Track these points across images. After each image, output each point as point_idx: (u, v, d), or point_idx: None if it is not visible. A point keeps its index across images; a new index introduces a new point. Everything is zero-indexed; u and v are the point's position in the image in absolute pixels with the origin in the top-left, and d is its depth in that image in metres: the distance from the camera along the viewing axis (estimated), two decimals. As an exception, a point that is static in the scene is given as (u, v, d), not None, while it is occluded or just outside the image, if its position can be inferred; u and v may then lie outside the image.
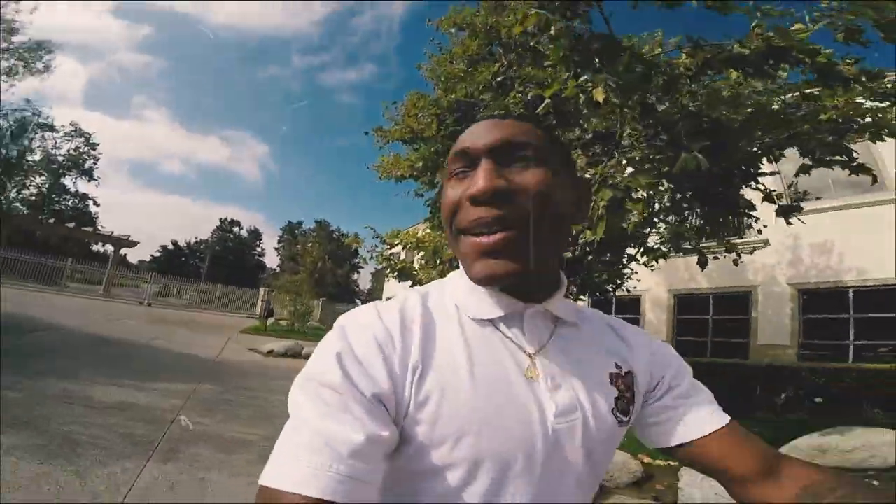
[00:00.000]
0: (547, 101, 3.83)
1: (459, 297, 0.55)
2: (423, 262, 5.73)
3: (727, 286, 10.47)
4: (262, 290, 22.70)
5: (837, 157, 3.68)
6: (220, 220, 51.03)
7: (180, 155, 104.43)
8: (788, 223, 4.55)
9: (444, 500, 0.46)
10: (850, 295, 9.07)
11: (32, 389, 4.12)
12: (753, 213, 4.47)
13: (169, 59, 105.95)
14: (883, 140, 3.57)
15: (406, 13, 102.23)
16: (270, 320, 17.55)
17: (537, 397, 0.50)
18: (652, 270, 7.08)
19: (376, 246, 6.29)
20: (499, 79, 4.96)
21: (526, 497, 0.47)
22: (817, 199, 9.76)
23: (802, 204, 9.43)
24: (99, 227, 29.03)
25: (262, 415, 4.67)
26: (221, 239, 49.15)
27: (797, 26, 3.67)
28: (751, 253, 8.18)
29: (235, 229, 51.46)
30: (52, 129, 14.76)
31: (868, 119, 3.62)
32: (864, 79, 3.28)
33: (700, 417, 0.57)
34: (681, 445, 0.56)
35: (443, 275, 4.41)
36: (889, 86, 3.75)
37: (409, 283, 6.78)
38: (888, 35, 3.43)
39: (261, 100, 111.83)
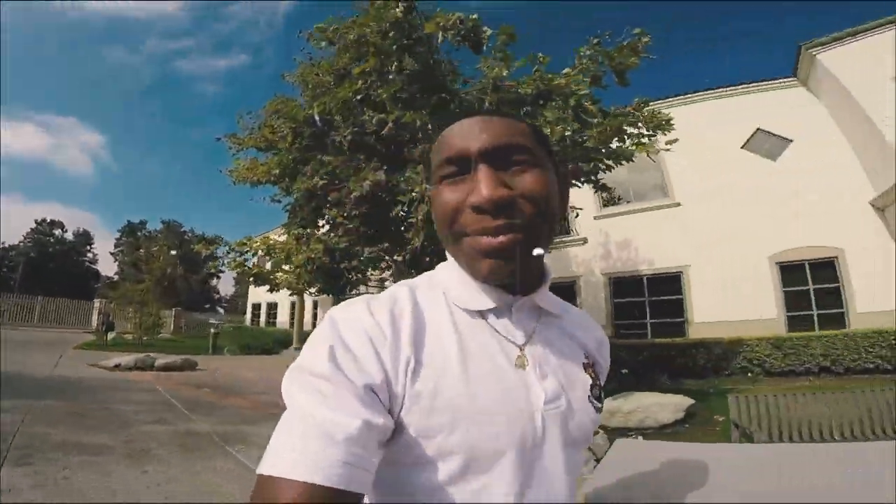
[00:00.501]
0: (389, 124, 4.57)
1: (451, 289, 0.56)
2: (276, 266, 6.00)
3: (558, 276, 12.25)
4: (97, 302, 20.07)
5: (590, 179, 5.05)
6: (37, 222, 42.94)
7: None
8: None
9: (441, 489, 0.46)
10: (645, 281, 11.46)
11: None
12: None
13: None
14: (622, 164, 5.00)
15: (291, 3, 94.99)
16: (111, 335, 15.75)
17: (527, 385, 0.51)
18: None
19: (228, 252, 6.38)
20: (359, 96, 5.33)
21: (521, 482, 0.48)
22: (627, 202, 12.24)
23: (613, 208, 11.52)
24: None
25: (120, 423, 4.63)
26: (38, 243, 41.36)
27: (566, 71, 4.94)
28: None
29: (57, 232, 43.72)
30: None
31: (617, 145, 5.05)
32: (600, 116, 4.66)
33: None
34: None
35: (300, 278, 4.92)
36: (637, 117, 5.25)
37: (267, 287, 6.97)
38: (621, 80, 4.87)
39: (99, 84, 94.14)
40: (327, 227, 6.00)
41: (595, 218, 12.21)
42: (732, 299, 10.06)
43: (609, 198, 12.48)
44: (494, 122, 0.53)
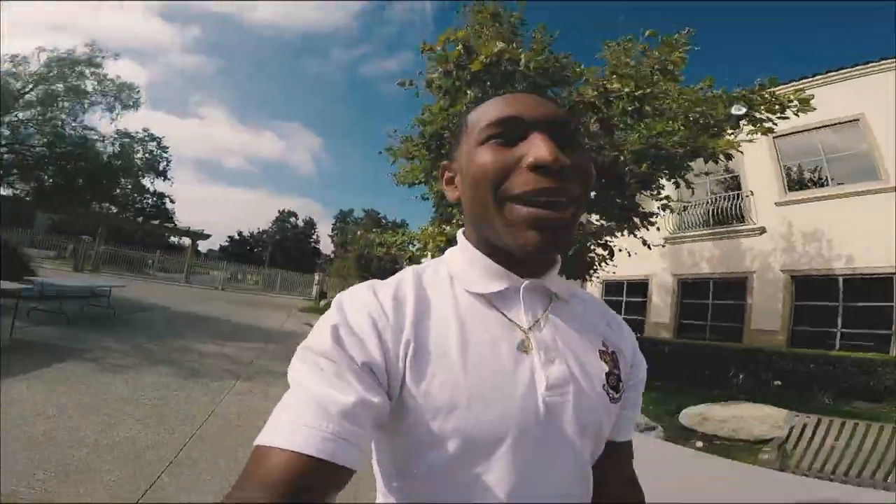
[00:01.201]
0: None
1: (459, 271, 0.56)
2: (421, 252, 7.34)
3: (726, 272, 11.08)
4: (316, 275, 25.22)
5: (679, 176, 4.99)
6: (279, 212, 54.98)
7: (241, 150, 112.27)
8: (649, 248, 5.97)
9: (441, 472, 0.47)
10: (841, 283, 9.39)
11: (161, 344, 6.20)
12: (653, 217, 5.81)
13: (220, 58, 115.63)
14: (716, 162, 4.89)
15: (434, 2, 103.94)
16: (323, 301, 19.90)
17: (530, 371, 0.50)
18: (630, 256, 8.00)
19: (381, 243, 8.00)
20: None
21: (521, 468, 0.47)
22: (822, 185, 10.32)
23: (801, 192, 9.85)
24: (176, 222, 33.05)
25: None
26: (281, 229, 53.05)
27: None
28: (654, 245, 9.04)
29: (293, 219, 55.23)
30: (128, 135, 17.06)
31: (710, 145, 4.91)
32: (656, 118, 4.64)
33: (630, 422, 0.63)
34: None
35: (434, 256, 6.23)
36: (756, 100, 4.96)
37: (419, 268, 8.46)
38: (670, 78, 4.68)
39: (308, 93, 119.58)
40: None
41: (777, 204, 10.51)
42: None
43: (798, 180, 10.78)
44: (547, 100, 0.54)
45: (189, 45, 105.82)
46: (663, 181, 5.68)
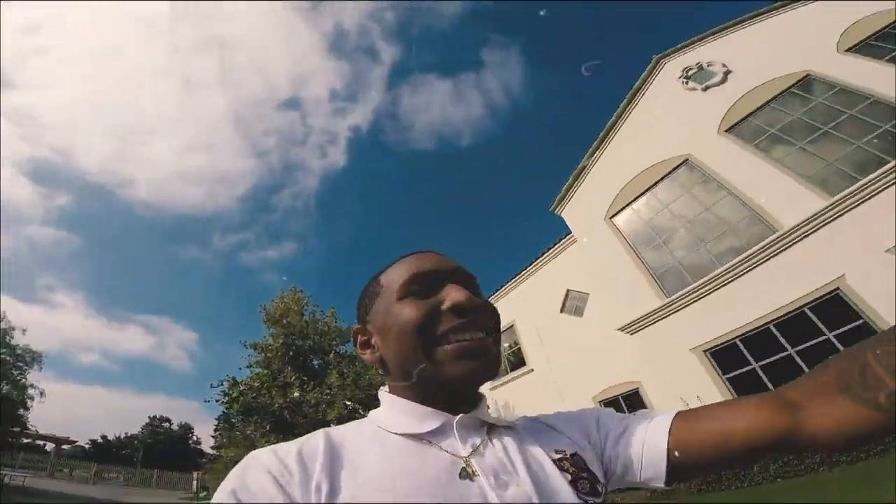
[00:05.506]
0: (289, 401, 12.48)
1: (387, 420, 0.57)
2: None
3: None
4: (195, 473, 27.72)
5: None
6: (150, 417, 52.76)
7: (99, 346, 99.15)
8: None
9: None
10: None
11: None
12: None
13: (83, 236, 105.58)
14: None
15: (321, 187, 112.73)
16: (203, 494, 23.16)
17: (481, 495, 0.48)
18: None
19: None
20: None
21: None
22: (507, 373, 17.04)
23: (500, 380, 17.75)
24: (30, 426, 31.81)
25: None
26: (152, 433, 51.21)
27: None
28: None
29: (166, 425, 53.42)
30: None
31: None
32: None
33: (653, 424, 0.58)
34: (669, 459, 0.55)
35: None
36: None
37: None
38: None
39: (184, 283, 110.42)
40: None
41: (490, 389, 16.51)
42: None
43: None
44: (445, 256, 0.63)
45: (52, 216, 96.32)
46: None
